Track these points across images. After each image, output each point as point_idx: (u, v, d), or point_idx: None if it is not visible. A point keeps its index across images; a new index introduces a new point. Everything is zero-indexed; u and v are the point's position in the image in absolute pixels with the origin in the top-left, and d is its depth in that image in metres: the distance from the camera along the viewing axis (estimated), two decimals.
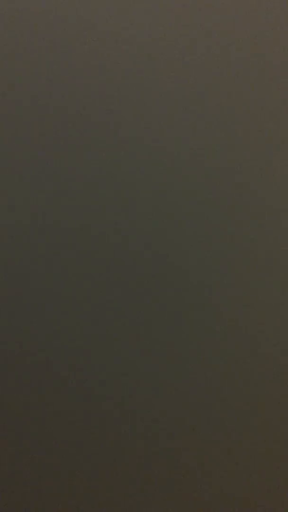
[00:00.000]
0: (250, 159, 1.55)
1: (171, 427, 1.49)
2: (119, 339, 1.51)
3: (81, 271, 1.53)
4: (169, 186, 1.55)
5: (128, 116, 1.57)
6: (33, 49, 1.59)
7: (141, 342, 1.51)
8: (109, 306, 1.52)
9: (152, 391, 1.50)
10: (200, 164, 1.55)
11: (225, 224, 1.53)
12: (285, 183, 1.55)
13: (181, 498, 1.47)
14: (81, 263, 1.53)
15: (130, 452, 1.48)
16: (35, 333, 1.51)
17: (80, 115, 1.57)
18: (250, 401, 1.49)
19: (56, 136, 1.57)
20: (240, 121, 1.56)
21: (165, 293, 1.52)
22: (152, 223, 1.54)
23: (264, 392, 1.49)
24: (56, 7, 1.60)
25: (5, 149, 1.57)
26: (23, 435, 1.49)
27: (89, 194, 1.55)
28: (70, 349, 1.51)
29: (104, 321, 1.51)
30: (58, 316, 1.52)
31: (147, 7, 1.59)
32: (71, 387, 1.50)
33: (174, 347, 1.51)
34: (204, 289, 1.52)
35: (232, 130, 1.56)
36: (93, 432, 1.49)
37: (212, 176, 1.55)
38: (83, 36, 1.59)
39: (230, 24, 1.59)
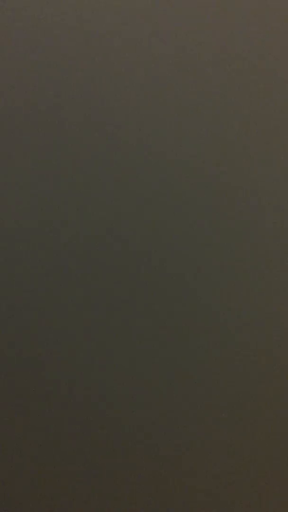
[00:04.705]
0: (251, 161, 1.56)
1: (171, 432, 1.49)
2: (119, 342, 1.51)
3: (80, 272, 1.53)
4: (169, 188, 1.55)
5: (127, 117, 1.57)
6: (32, 49, 1.59)
7: (140, 345, 1.51)
8: (108, 311, 1.52)
9: (152, 396, 1.50)
10: (200, 168, 1.55)
11: (226, 228, 1.54)
12: (286, 186, 1.55)
13: (181, 499, 1.47)
14: (80, 265, 1.53)
15: (129, 454, 1.49)
16: (33, 337, 1.51)
17: (79, 116, 1.57)
18: (251, 411, 1.49)
19: (56, 136, 1.57)
20: (241, 122, 1.57)
21: (165, 299, 1.52)
22: (151, 225, 1.54)
23: (266, 402, 1.49)
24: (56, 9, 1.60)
25: (4, 149, 1.57)
26: (22, 437, 1.49)
27: (89, 195, 1.55)
28: (69, 351, 1.51)
29: (103, 325, 1.51)
30: (57, 319, 1.52)
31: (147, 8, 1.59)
32: (71, 389, 1.50)
33: (174, 353, 1.51)
34: (205, 295, 1.52)
35: (233, 132, 1.56)
36: (91, 438, 1.49)
37: (213, 180, 1.55)
38: (83, 37, 1.59)
39: (230, 25, 1.59)
